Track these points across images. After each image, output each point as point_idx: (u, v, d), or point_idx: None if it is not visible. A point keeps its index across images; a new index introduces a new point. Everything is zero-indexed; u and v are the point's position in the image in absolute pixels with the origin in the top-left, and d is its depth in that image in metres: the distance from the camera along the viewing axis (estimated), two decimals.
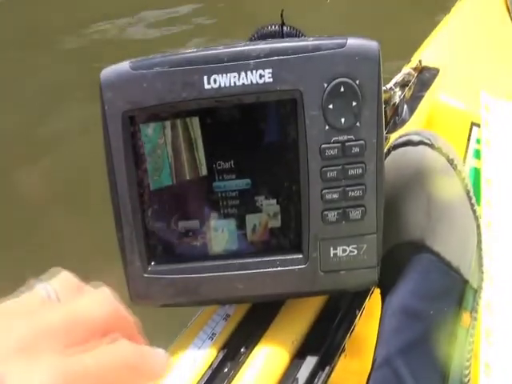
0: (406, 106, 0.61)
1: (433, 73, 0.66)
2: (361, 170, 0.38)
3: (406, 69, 0.65)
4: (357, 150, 0.38)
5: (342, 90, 0.37)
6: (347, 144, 0.38)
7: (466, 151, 0.58)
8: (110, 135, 0.38)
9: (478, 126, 0.59)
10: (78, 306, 0.27)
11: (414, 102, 0.62)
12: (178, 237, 0.41)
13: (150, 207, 0.40)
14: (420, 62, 0.67)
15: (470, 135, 0.59)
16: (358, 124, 0.37)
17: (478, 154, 0.58)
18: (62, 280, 0.29)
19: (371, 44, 0.37)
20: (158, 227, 0.41)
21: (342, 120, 0.37)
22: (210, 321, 0.44)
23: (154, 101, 0.38)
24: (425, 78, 0.65)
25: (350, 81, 0.37)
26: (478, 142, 0.58)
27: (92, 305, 0.28)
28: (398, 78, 0.63)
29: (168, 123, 0.39)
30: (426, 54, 0.70)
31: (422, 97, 0.63)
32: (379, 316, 0.44)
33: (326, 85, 0.37)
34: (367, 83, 0.37)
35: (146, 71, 0.37)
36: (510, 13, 0.79)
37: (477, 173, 0.56)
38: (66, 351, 0.25)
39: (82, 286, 0.30)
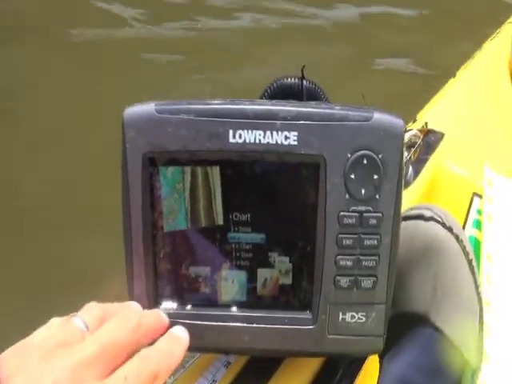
0: (411, 168, 0.62)
1: (438, 137, 0.67)
2: (376, 242, 0.39)
3: (413, 130, 0.67)
4: (374, 221, 0.39)
5: (365, 162, 0.38)
6: (365, 215, 0.39)
7: (466, 220, 0.59)
8: (128, 174, 0.39)
9: (480, 196, 0.60)
10: (104, 333, 0.32)
11: (418, 164, 0.63)
12: (187, 281, 0.41)
13: (163, 248, 0.41)
14: (426, 124, 0.68)
15: (470, 204, 0.60)
16: (377, 196, 0.38)
17: (477, 225, 0.59)
18: (88, 310, 0.34)
19: (396, 121, 0.38)
20: (168, 269, 0.41)
21: (363, 191, 0.38)
22: (210, 366, 0.44)
23: (177, 146, 0.38)
24: (430, 141, 0.67)
25: (374, 154, 0.38)
26: (479, 212, 0.60)
27: (115, 328, 0.33)
28: (405, 138, 0.65)
29: (188, 169, 0.39)
30: (431, 115, 0.72)
31: (427, 160, 0.64)
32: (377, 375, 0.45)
33: (349, 155, 0.38)
34: (390, 158, 0.38)
35: (172, 116, 0.38)
36: None
37: (476, 243, 0.57)
38: (104, 375, 0.30)
39: (106, 310, 0.35)
